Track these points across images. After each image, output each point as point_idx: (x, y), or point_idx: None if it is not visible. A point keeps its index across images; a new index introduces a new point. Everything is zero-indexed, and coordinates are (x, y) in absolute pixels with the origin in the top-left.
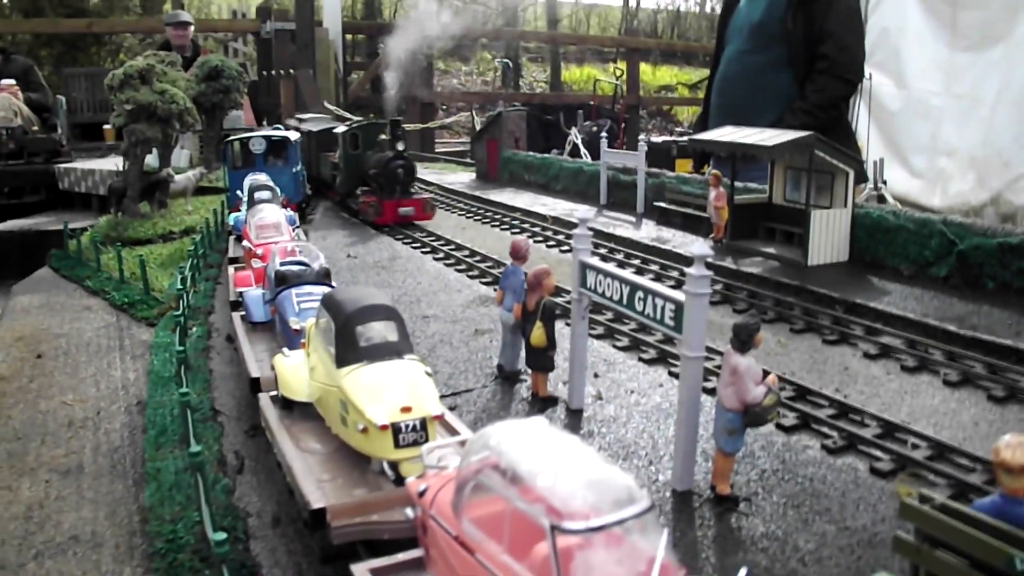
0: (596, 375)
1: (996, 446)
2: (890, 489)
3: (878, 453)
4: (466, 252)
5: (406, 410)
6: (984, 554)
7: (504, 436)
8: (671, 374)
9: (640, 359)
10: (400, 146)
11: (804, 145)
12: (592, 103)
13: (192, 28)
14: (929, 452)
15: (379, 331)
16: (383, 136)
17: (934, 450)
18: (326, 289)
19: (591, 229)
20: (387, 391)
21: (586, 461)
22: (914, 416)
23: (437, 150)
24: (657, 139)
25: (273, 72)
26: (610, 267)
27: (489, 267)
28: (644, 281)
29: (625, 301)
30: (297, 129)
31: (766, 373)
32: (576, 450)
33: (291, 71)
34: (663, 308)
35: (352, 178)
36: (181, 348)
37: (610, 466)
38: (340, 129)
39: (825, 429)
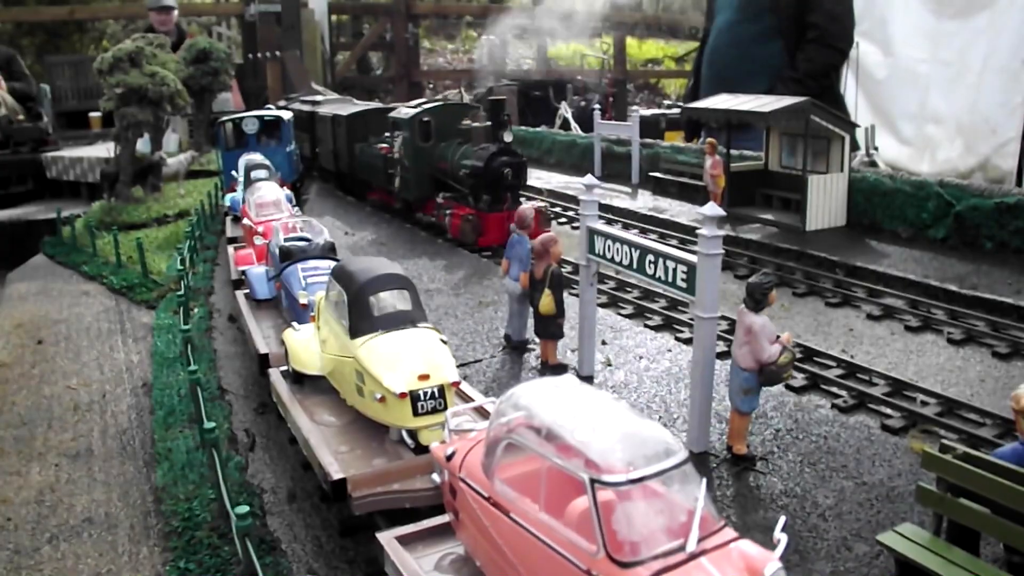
0: (604, 342)
1: (1016, 394)
2: (904, 445)
3: (888, 411)
4: None
5: (424, 378)
6: (1007, 500)
7: (535, 395)
8: (678, 339)
9: (646, 326)
10: (507, 137)
11: (800, 111)
12: (579, 78)
13: (176, 13)
14: (939, 408)
15: (392, 300)
16: (467, 123)
17: (943, 406)
18: (332, 263)
19: None
20: (403, 359)
21: (620, 415)
22: (921, 374)
23: None
24: (646, 112)
25: (259, 55)
26: (619, 231)
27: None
28: (655, 244)
29: (635, 265)
30: (311, 113)
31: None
32: (609, 405)
33: (277, 53)
34: (675, 270)
35: (422, 179)
36: (186, 327)
37: (645, 419)
38: (403, 113)
39: (835, 389)
